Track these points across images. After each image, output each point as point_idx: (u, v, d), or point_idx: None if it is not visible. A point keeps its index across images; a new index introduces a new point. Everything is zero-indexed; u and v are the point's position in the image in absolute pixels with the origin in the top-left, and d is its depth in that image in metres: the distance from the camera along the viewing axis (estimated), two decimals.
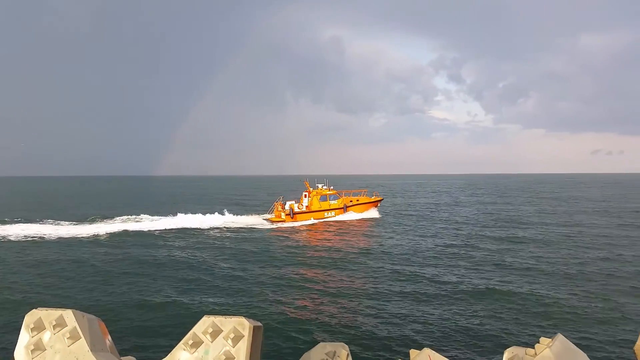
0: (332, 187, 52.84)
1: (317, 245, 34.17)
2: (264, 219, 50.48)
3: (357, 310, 18.12)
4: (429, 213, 58.64)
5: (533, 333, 14.93)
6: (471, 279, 22.78)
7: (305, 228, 44.88)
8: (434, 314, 17.42)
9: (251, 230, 44.17)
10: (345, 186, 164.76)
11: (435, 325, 16.22)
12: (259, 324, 4.09)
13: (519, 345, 5.27)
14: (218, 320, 3.83)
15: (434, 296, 19.92)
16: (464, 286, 21.34)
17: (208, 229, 44.53)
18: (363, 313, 17.79)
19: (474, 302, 18.82)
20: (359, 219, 49.84)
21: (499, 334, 15.27)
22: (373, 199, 54.46)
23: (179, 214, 51.18)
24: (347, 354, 5.35)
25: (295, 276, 24.24)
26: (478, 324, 16.27)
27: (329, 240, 36.88)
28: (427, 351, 4.76)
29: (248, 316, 3.97)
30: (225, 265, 27.05)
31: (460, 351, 14.00)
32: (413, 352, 4.97)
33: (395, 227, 43.93)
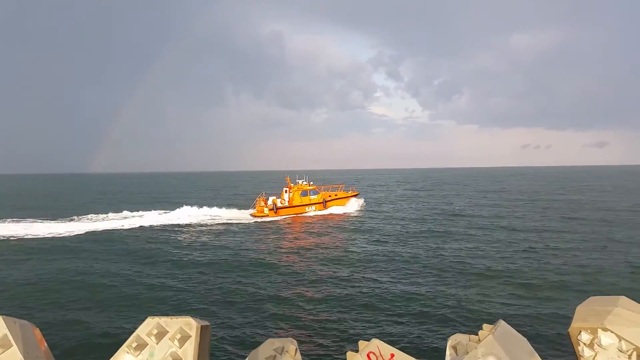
0: (311, 183, 54.96)
1: (283, 242, 33.96)
2: (250, 214, 51.48)
3: (306, 305, 18.17)
4: (374, 207, 59.69)
5: (476, 320, 15.57)
6: (414, 271, 23.44)
7: (285, 223, 45.36)
8: (381, 306, 17.78)
9: (228, 224, 44.35)
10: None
11: (383, 317, 16.58)
12: (207, 322, 3.98)
13: (462, 332, 5.46)
14: (163, 321, 3.69)
15: (380, 289, 20.31)
16: (408, 279, 21.94)
17: (183, 225, 44.15)
18: (313, 308, 17.88)
19: (418, 294, 19.36)
20: (338, 214, 51.44)
21: (444, 322, 15.82)
22: (350, 193, 56.88)
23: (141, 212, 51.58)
24: (295, 349, 5.33)
25: (247, 273, 23.96)
26: (423, 314, 16.78)
27: (295, 236, 36.89)
28: (375, 342, 4.83)
29: (195, 315, 3.86)
30: (175, 264, 26.31)
31: (407, 340, 14.38)
32: (362, 344, 5.03)
33: (362, 222, 44.46)
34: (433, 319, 16.19)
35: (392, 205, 61.36)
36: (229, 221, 46.96)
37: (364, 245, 31.58)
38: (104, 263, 26.88)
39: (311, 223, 44.16)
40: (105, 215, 51.68)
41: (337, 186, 59.16)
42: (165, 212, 52.45)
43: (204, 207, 54.07)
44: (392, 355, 4.71)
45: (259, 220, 47.90)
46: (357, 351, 4.98)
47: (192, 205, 54.92)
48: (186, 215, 50.49)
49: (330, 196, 54.24)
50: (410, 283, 21.06)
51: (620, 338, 3.69)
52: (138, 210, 54.20)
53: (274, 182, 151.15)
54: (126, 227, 42.61)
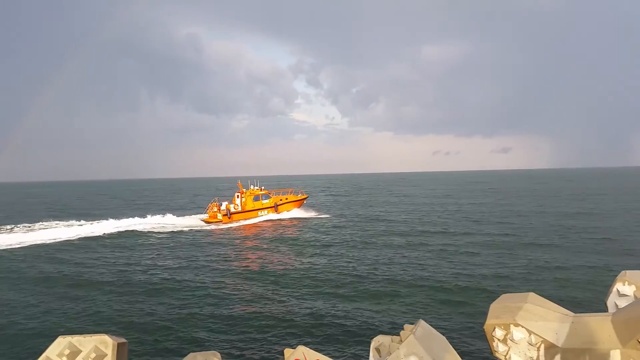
0: (263, 187, 55.80)
1: (198, 254, 32.82)
2: (202, 220, 51.48)
3: (231, 316, 17.72)
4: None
5: (398, 321, 16.03)
6: (335, 277, 23.71)
7: (234, 229, 45.13)
8: (305, 313, 17.77)
9: (176, 233, 43.00)
10: (210, 189, 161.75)
11: (308, 323, 16.57)
12: (123, 340, 3.73)
13: (385, 334, 5.57)
14: (76, 340, 3.38)
15: (303, 295, 20.35)
16: (328, 284, 22.16)
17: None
18: (237, 318, 17.47)
19: (341, 298, 19.62)
20: (290, 218, 52.32)
21: (367, 325, 16.12)
22: (299, 197, 57.45)
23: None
24: None
25: (169, 284, 22.96)
26: (346, 318, 16.99)
27: (222, 243, 35.84)
28: (301, 349, 4.78)
29: (112, 332, 3.60)
30: (87, 281, 24.61)
31: (331, 345, 14.48)
32: (287, 351, 4.96)
33: (306, 226, 44.15)
34: (356, 322, 16.45)
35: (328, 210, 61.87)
36: (178, 229, 45.71)
37: (300, 252, 31.53)
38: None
39: (245, 233, 43.45)
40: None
41: (287, 190, 60.27)
42: (91, 224, 49.34)
43: (157, 215, 53.38)
44: None
45: (212, 227, 47.65)
46: (283, 359, 4.91)
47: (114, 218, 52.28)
48: (137, 223, 48.90)
49: (281, 200, 55.04)
50: (333, 287, 21.28)
51: (530, 332, 3.92)
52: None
53: (191, 189, 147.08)
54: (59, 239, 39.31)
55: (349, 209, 64.46)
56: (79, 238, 39.46)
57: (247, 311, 18.22)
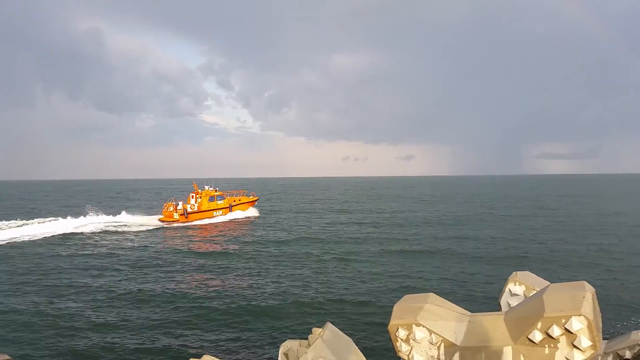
0: (217, 189, 56.93)
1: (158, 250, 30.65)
2: (158, 220, 51.85)
3: (128, 327, 16.67)
4: None
5: (306, 325, 16.03)
6: (248, 280, 23.37)
7: (188, 228, 46.38)
8: (209, 320, 17.18)
9: (124, 233, 42.62)
10: (102, 191, 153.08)
11: (213, 330, 16.07)
12: (7, 357, 3.34)
13: (293, 339, 5.51)
14: None
15: (211, 301, 19.74)
16: (239, 288, 21.76)
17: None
18: (137, 329, 16.48)
19: (249, 301, 19.28)
20: (243, 217, 54.91)
21: (274, 330, 15.96)
22: (251, 198, 60.13)
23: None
24: None
25: (65, 291, 21.18)
26: (251, 324, 16.70)
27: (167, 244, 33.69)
28: (207, 358, 4.60)
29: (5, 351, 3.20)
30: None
31: (238, 353, 14.16)
32: None
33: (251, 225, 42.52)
34: (265, 327, 16.25)
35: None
36: (129, 229, 45.52)
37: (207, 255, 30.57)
38: None
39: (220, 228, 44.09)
40: None
41: (239, 192, 62.76)
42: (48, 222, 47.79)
43: (110, 215, 53.21)
44: None
45: (166, 225, 49.13)
46: None
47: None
48: (89, 222, 48.42)
49: (235, 201, 56.96)
50: (244, 289, 20.87)
51: (430, 332, 4.05)
52: None
53: (88, 192, 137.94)
54: None
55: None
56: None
57: (148, 320, 17.24)
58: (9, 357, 3.48)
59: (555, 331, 3.45)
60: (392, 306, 4.49)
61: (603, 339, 3.81)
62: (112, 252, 32.16)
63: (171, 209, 52.06)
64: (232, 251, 31.97)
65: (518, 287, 5.37)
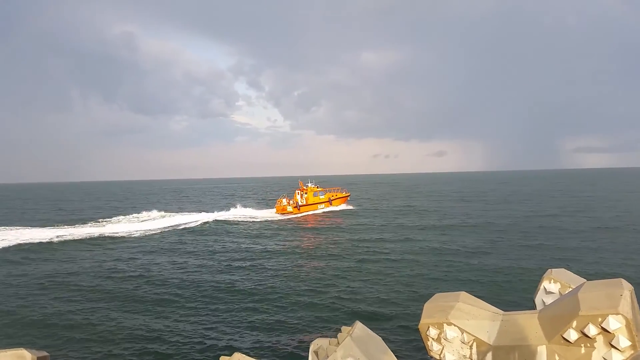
0: (318, 186, 67.41)
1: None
2: (275, 213, 61.87)
3: (160, 326, 17.07)
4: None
5: (336, 324, 16.05)
6: (269, 281, 23.54)
7: (296, 220, 54.04)
8: (241, 319, 17.39)
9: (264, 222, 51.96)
10: (161, 192, 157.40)
11: (244, 329, 16.26)
12: (45, 353, 3.44)
13: (323, 337, 5.52)
14: None
15: (241, 300, 19.98)
16: (263, 289, 21.94)
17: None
18: (166, 329, 16.85)
19: (275, 303, 19.43)
20: (339, 210, 63.58)
21: (305, 329, 16.04)
22: (345, 194, 69.52)
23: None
24: None
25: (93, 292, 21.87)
26: (284, 323, 16.83)
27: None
28: (237, 356, 4.64)
29: (32, 345, 3.31)
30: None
31: (270, 350, 14.29)
32: (223, 359, 4.80)
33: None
34: (295, 327, 16.34)
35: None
36: (251, 219, 55.15)
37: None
38: None
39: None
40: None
41: (335, 188, 71.26)
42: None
43: (235, 209, 64.39)
44: None
45: (282, 217, 57.96)
46: None
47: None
48: (226, 214, 59.55)
49: (333, 196, 65.97)
50: (267, 293, 21.06)
51: (462, 331, 3.99)
52: None
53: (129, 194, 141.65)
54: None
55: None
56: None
57: (180, 319, 17.65)
58: (47, 354, 3.59)
59: (592, 330, 3.34)
60: (422, 305, 4.45)
61: None
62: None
63: (284, 203, 61.90)
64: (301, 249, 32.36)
65: (553, 285, 5.22)
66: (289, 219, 55.46)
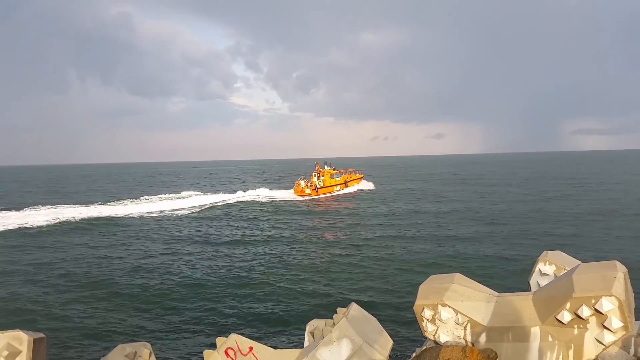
0: (334, 168, 69.38)
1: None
2: (293, 194, 63.55)
3: (160, 308, 17.10)
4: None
5: (329, 304, 16.15)
6: (270, 262, 23.66)
7: (306, 201, 56.52)
8: (234, 303, 17.46)
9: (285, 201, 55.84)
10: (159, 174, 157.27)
11: (238, 313, 16.33)
12: (41, 335, 3.46)
13: (319, 317, 5.58)
14: None
15: (236, 283, 20.06)
16: (264, 271, 22.05)
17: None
18: (166, 309, 16.93)
19: (275, 285, 19.54)
20: (355, 191, 66.24)
21: (302, 310, 16.15)
22: (359, 176, 73.20)
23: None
24: (150, 353, 4.96)
25: (91, 276, 21.97)
26: (277, 305, 16.97)
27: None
28: (233, 337, 4.69)
29: (27, 328, 3.32)
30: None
31: (266, 331, 14.44)
32: (220, 340, 4.84)
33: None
34: (291, 309, 16.46)
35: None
36: (272, 200, 57.75)
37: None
38: None
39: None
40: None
41: (349, 170, 75.17)
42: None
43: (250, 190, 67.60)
44: (251, 349, 4.62)
45: (301, 198, 60.69)
46: (215, 348, 4.80)
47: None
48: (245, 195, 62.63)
49: (348, 178, 68.80)
50: (266, 274, 21.13)
51: (457, 312, 4.03)
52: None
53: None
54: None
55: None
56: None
57: (178, 301, 17.75)
58: (43, 335, 3.61)
59: (585, 312, 3.38)
60: (417, 286, 4.48)
61: (636, 320, 3.70)
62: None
63: (302, 185, 63.22)
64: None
65: (548, 267, 5.26)
66: (309, 199, 58.39)
